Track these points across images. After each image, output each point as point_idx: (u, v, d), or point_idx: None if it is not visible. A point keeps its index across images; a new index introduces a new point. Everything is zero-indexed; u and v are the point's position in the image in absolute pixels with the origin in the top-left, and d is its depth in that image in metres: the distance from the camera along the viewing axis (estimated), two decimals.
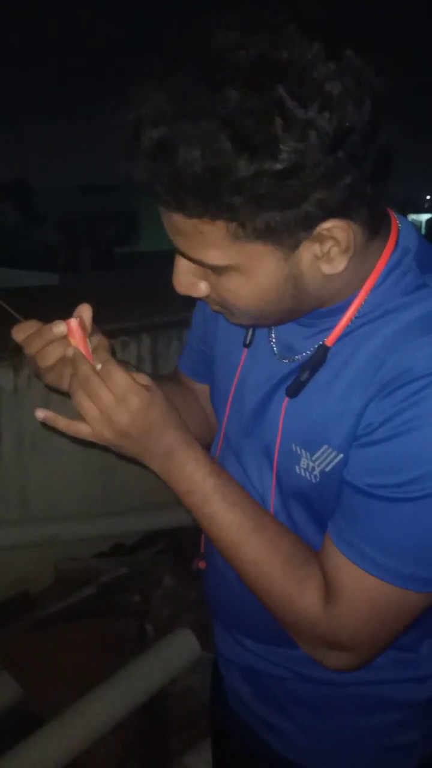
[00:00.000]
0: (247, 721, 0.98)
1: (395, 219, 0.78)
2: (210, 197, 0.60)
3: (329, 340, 0.76)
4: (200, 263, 0.69)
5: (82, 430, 0.79)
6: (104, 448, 0.82)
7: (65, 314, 0.82)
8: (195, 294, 0.75)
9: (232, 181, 0.59)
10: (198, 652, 2.11)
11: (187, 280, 0.74)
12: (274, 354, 0.84)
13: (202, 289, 0.74)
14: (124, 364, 0.83)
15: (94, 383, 0.75)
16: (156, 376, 0.97)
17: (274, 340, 0.85)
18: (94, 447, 0.86)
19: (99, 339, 0.86)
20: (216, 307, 0.78)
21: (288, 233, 0.64)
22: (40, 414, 0.81)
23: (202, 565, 0.98)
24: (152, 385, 0.79)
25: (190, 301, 1.04)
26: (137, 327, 2.80)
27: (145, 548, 2.80)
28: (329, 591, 0.74)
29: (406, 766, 0.90)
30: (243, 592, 0.84)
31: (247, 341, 0.88)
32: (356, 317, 0.75)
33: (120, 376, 0.75)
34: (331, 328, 0.76)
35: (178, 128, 0.58)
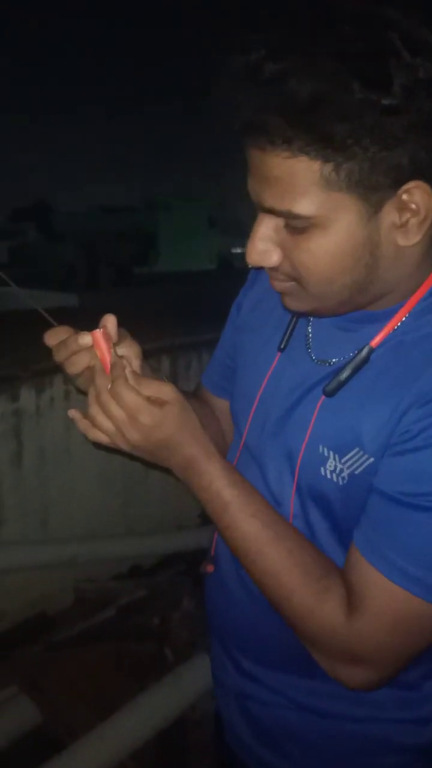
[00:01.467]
0: (242, 758, 0.96)
1: None
2: (317, 125, 0.62)
3: (374, 342, 0.76)
4: (287, 214, 0.69)
5: (100, 436, 0.80)
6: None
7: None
8: (267, 263, 0.74)
9: (340, 106, 0.61)
10: None
11: (264, 246, 0.73)
12: (310, 358, 0.84)
13: (274, 258, 0.74)
14: (155, 372, 0.85)
15: (106, 400, 0.76)
16: (185, 394, 0.98)
17: (311, 344, 0.85)
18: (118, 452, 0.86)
19: (130, 346, 0.87)
20: (283, 284, 0.77)
21: (376, 187, 0.66)
22: (71, 412, 0.81)
23: (209, 568, 0.96)
24: (173, 398, 0.78)
25: (209, 323, 1.04)
26: (157, 348, 2.81)
27: (163, 570, 2.79)
28: (353, 602, 0.73)
29: None
30: (244, 605, 0.84)
31: (283, 345, 0.88)
32: (400, 326, 0.76)
33: (129, 398, 0.75)
34: (373, 336, 0.77)
35: (295, 60, 0.61)
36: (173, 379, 2.85)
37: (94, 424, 0.79)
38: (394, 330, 0.76)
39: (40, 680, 2.13)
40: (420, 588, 0.69)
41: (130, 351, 0.87)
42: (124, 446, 0.79)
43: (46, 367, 2.40)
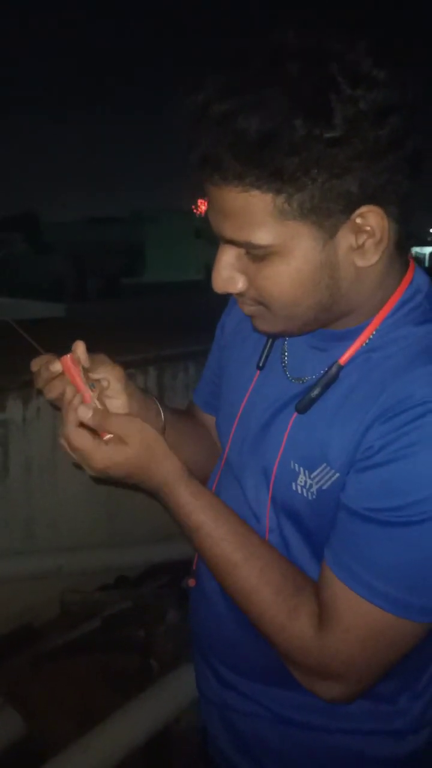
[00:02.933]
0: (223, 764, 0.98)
1: (413, 262, 0.81)
2: (266, 160, 0.65)
3: (343, 359, 0.79)
4: (246, 244, 0.72)
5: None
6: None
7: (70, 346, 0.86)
8: (232, 290, 0.77)
9: (286, 142, 0.63)
10: None
11: (228, 273, 0.76)
12: (286, 376, 0.86)
13: (239, 285, 0.76)
14: (141, 391, 0.91)
15: (67, 435, 0.80)
16: (172, 410, 1.00)
17: (286, 362, 0.87)
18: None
19: (111, 370, 0.90)
20: (250, 308, 0.79)
21: (329, 214, 0.69)
22: (60, 441, 0.83)
23: (191, 582, 0.98)
24: (134, 436, 0.80)
25: (196, 335, 1.06)
26: (144, 360, 2.83)
27: (149, 581, 2.79)
28: (323, 618, 0.75)
29: None
30: (225, 618, 0.86)
31: (261, 363, 0.90)
32: (367, 343, 0.78)
33: (79, 442, 0.79)
34: (342, 353, 0.79)
35: (243, 99, 0.64)
36: (160, 390, 2.86)
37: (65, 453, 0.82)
38: (362, 347, 0.78)
39: (25, 691, 2.12)
40: (387, 603, 0.71)
41: (111, 374, 0.90)
42: (93, 473, 0.82)
43: (31, 378, 2.40)
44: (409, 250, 0.80)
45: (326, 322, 0.80)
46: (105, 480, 0.84)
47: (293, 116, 0.63)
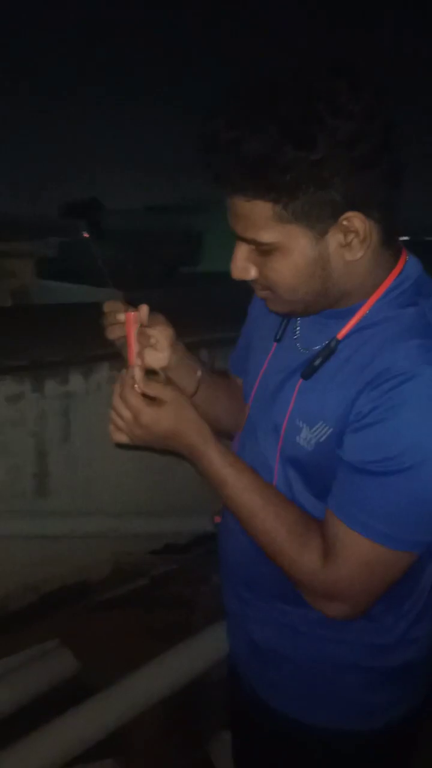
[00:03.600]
0: (249, 681, 1.15)
1: (405, 253, 0.96)
2: (263, 178, 0.81)
3: (340, 335, 0.93)
4: (253, 242, 0.88)
5: (118, 436, 1.00)
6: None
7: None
8: (246, 277, 0.93)
9: (279, 164, 0.79)
10: None
11: (242, 264, 0.92)
12: (297, 347, 1.02)
13: (251, 273, 0.92)
14: (187, 352, 1.09)
15: (117, 404, 0.97)
16: (210, 370, 1.20)
17: (298, 335, 1.03)
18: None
19: (163, 330, 1.08)
20: (262, 292, 0.95)
21: (319, 218, 0.84)
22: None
23: (217, 519, 1.15)
24: (171, 398, 0.96)
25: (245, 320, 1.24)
26: (196, 342, 3.01)
27: (196, 548, 2.99)
28: (328, 551, 0.90)
29: (374, 723, 1.05)
30: (245, 549, 1.02)
31: (278, 336, 1.07)
32: (362, 321, 0.93)
33: (131, 401, 0.95)
34: (341, 329, 0.94)
35: (244, 130, 0.80)
36: (211, 368, 3.04)
37: (114, 424, 0.99)
38: (357, 324, 0.93)
39: (78, 636, 2.36)
40: (379, 537, 0.86)
41: (161, 333, 1.08)
42: (134, 441, 0.98)
43: (94, 354, 2.63)
44: (396, 244, 0.94)
45: (327, 304, 0.94)
46: (138, 446, 1.01)
47: (285, 143, 0.78)
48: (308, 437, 0.95)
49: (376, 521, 0.86)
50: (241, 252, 0.91)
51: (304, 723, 1.06)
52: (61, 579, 2.70)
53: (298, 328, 1.04)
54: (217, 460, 0.97)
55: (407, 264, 0.95)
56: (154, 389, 0.97)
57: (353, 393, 0.88)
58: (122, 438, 1.00)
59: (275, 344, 1.08)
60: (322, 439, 0.93)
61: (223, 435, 1.17)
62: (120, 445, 1.02)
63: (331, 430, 0.91)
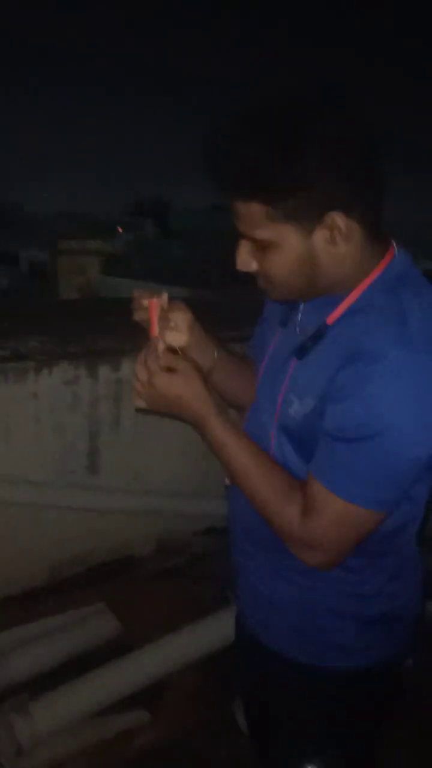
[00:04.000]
0: (249, 623, 1.32)
1: (394, 249, 1.08)
2: (256, 185, 0.96)
3: (329, 320, 1.07)
4: (252, 239, 1.02)
5: (137, 401, 1.17)
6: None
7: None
8: (249, 269, 1.07)
9: (267, 172, 0.93)
10: None
11: (245, 258, 1.07)
12: (297, 331, 1.16)
13: (253, 266, 1.06)
14: (178, 351, 1.21)
15: (138, 368, 1.13)
16: (228, 351, 1.35)
17: (299, 321, 1.17)
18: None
19: (183, 315, 1.23)
20: (262, 283, 1.08)
21: (305, 218, 0.97)
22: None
23: (227, 481, 1.28)
24: (182, 368, 1.11)
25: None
26: (241, 335, 3.18)
27: None
28: (307, 507, 1.04)
29: (352, 663, 1.19)
30: (247, 507, 1.16)
31: (283, 322, 1.21)
32: (349, 308, 1.05)
33: (151, 364, 1.11)
34: (330, 313, 1.07)
35: (238, 143, 0.95)
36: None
37: (134, 389, 1.14)
38: (345, 310, 1.06)
39: (122, 602, 2.56)
40: (350, 496, 1.00)
41: (180, 316, 1.23)
42: (149, 405, 1.14)
43: (144, 344, 2.82)
44: (384, 240, 1.07)
45: (319, 292, 1.07)
46: (154, 411, 1.15)
47: (271, 154, 0.93)
48: (298, 409, 1.09)
49: (348, 482, 1.00)
50: (244, 248, 1.07)
51: (291, 660, 1.22)
52: (108, 552, 2.91)
53: (300, 315, 1.18)
54: (218, 425, 1.12)
55: (394, 258, 1.08)
56: (170, 360, 1.13)
57: (333, 370, 1.01)
58: (140, 402, 1.16)
59: (280, 329, 1.23)
60: (307, 411, 1.07)
61: (239, 409, 1.34)
62: (139, 410, 1.19)
63: (315, 402, 1.06)
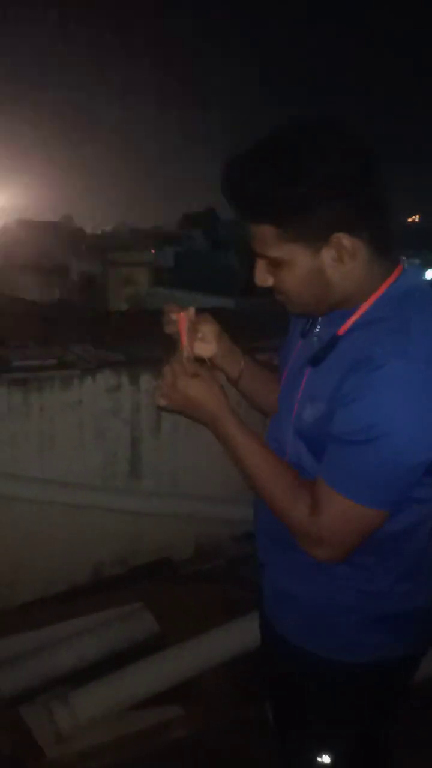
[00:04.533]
0: (270, 618, 1.38)
1: (401, 267, 1.15)
2: (265, 210, 1.06)
3: (340, 331, 1.14)
4: (266, 257, 1.11)
5: (159, 400, 1.26)
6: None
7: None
8: (266, 285, 1.15)
9: (272, 198, 1.03)
10: None
11: (262, 275, 1.15)
12: (314, 341, 1.23)
13: (269, 281, 1.15)
14: (206, 361, 1.32)
15: (166, 370, 1.24)
16: (255, 361, 1.45)
17: (317, 332, 1.25)
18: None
19: (210, 327, 1.35)
20: (279, 297, 1.17)
21: (312, 239, 1.06)
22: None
23: None
24: (203, 374, 1.22)
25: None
26: (274, 346, 3.25)
27: None
28: (315, 506, 1.11)
29: (363, 658, 1.24)
30: (264, 507, 1.23)
31: (303, 333, 1.29)
32: (359, 320, 1.13)
33: (176, 368, 1.22)
34: (341, 327, 1.15)
35: (247, 172, 1.06)
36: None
37: (159, 389, 1.25)
38: (355, 322, 1.13)
39: (160, 603, 2.65)
40: (355, 496, 1.07)
41: (209, 329, 1.35)
42: (171, 404, 1.23)
43: (174, 353, 2.93)
44: (391, 257, 1.14)
45: (331, 306, 1.15)
46: (175, 411, 1.26)
47: (276, 182, 1.03)
48: (310, 414, 1.17)
49: (352, 483, 1.08)
50: (260, 265, 1.16)
51: (308, 652, 1.28)
52: (148, 554, 3.01)
53: (318, 327, 1.26)
54: (232, 428, 1.21)
55: (402, 275, 1.15)
56: (194, 368, 1.24)
57: (341, 377, 1.09)
58: (162, 401, 1.26)
59: (300, 340, 1.31)
60: (319, 415, 1.15)
61: (266, 414, 1.43)
62: (160, 408, 1.29)
63: (325, 407, 1.13)
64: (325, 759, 1.32)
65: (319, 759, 1.33)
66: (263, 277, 1.16)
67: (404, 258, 1.17)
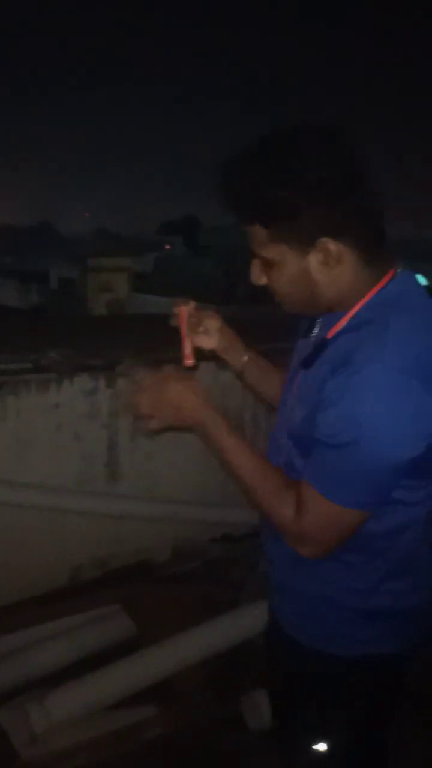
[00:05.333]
0: (274, 612, 1.41)
1: (393, 271, 1.16)
2: (256, 212, 1.10)
3: (329, 335, 1.17)
4: (259, 256, 1.16)
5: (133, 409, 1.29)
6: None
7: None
8: (260, 283, 1.19)
9: (259, 200, 1.08)
10: None
11: (257, 274, 1.19)
12: (310, 343, 1.24)
13: (263, 280, 1.19)
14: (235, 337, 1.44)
15: (147, 384, 1.27)
16: (259, 356, 1.49)
17: (314, 334, 1.26)
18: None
19: (213, 321, 1.41)
20: (276, 297, 1.20)
21: (299, 242, 1.09)
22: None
23: None
24: (191, 382, 1.25)
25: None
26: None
27: (250, 540, 3.25)
28: (299, 506, 1.14)
29: (354, 651, 1.26)
30: None
31: (304, 334, 1.29)
32: (346, 325, 1.14)
33: (160, 377, 1.26)
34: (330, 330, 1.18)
35: (237, 176, 1.10)
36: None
37: (146, 416, 1.27)
38: (343, 327, 1.15)
39: (138, 604, 2.67)
40: (333, 496, 1.10)
41: (211, 322, 1.41)
42: (157, 417, 1.26)
43: (162, 357, 2.95)
44: (383, 263, 1.15)
45: (323, 308, 1.18)
46: (164, 425, 1.27)
47: (262, 186, 1.07)
48: (297, 415, 1.20)
49: (332, 484, 1.11)
50: (255, 265, 1.20)
51: (301, 643, 1.31)
52: (126, 557, 3.03)
53: (316, 329, 1.28)
54: (220, 433, 1.23)
55: (393, 280, 1.15)
56: (178, 374, 1.27)
57: (323, 380, 1.11)
58: (153, 423, 1.28)
59: (300, 341, 1.33)
60: (304, 416, 1.18)
61: (270, 407, 1.50)
62: (152, 431, 1.30)
63: (309, 409, 1.16)
64: (321, 748, 1.34)
65: (315, 748, 1.34)
66: (257, 275, 1.20)
67: (400, 263, 1.18)
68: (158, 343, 3.24)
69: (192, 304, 1.38)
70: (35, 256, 29.64)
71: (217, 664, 2.40)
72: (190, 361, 1.35)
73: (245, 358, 1.47)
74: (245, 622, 2.49)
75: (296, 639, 1.33)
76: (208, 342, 1.41)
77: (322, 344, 1.18)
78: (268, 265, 1.16)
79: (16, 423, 2.71)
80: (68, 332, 3.77)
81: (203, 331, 1.41)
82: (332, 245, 1.09)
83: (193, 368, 1.35)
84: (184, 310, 1.37)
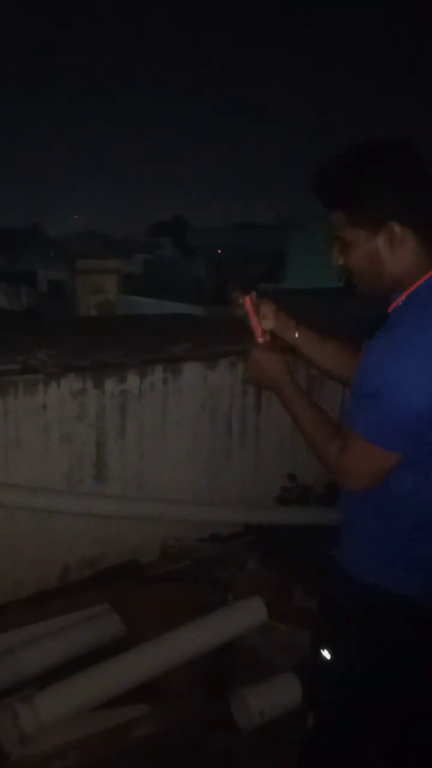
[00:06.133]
0: (336, 554, 1.54)
1: None
2: (339, 199, 1.36)
3: (390, 309, 1.39)
4: (339, 238, 1.38)
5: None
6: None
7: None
8: (338, 263, 1.41)
9: (342, 189, 1.36)
10: (265, 617, 2.55)
11: (336, 255, 1.41)
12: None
13: (341, 260, 1.40)
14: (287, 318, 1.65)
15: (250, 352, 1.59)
16: (312, 333, 1.68)
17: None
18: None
19: (267, 307, 1.63)
20: (352, 278, 1.42)
21: (370, 225, 1.33)
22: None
23: None
24: (272, 351, 1.56)
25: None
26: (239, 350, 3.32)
27: (237, 539, 3.27)
28: (343, 446, 1.36)
29: (378, 581, 1.41)
30: None
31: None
32: (401, 302, 1.37)
33: (254, 347, 1.59)
34: (391, 305, 1.40)
35: (328, 172, 1.39)
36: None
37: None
38: (400, 302, 1.37)
39: (127, 604, 2.67)
40: (370, 437, 1.31)
41: (267, 308, 1.63)
42: (250, 375, 1.60)
43: (149, 358, 2.97)
44: None
45: (387, 287, 1.39)
46: (253, 379, 1.60)
47: (347, 178, 1.35)
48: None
49: (369, 427, 1.33)
50: (335, 247, 1.42)
51: (357, 577, 1.46)
52: (115, 557, 3.04)
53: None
54: (290, 390, 1.52)
55: None
56: (267, 343, 1.60)
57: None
58: (246, 374, 1.67)
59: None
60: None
61: (326, 374, 1.75)
62: (244, 381, 1.62)
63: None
64: (325, 654, 1.50)
65: (322, 652, 1.51)
66: (336, 256, 1.42)
67: None
68: (148, 344, 3.29)
69: (254, 294, 1.62)
70: (24, 257, 29.59)
71: (206, 663, 2.41)
72: (261, 339, 1.59)
73: (296, 334, 1.68)
74: (234, 621, 2.51)
75: (350, 572, 1.48)
76: (266, 324, 1.62)
77: (383, 317, 1.39)
78: (345, 247, 1.38)
79: (4, 424, 2.71)
80: (54, 333, 3.77)
81: (262, 315, 1.63)
82: (397, 228, 1.32)
83: (266, 345, 1.61)
84: (249, 300, 1.59)
